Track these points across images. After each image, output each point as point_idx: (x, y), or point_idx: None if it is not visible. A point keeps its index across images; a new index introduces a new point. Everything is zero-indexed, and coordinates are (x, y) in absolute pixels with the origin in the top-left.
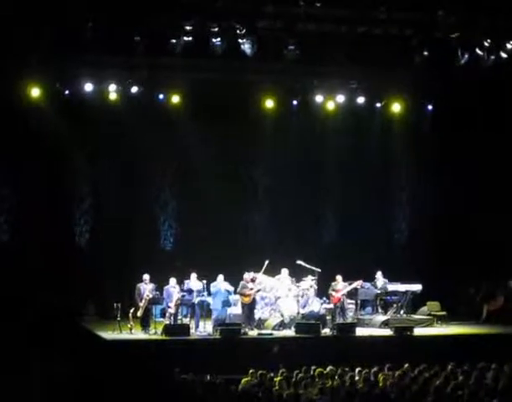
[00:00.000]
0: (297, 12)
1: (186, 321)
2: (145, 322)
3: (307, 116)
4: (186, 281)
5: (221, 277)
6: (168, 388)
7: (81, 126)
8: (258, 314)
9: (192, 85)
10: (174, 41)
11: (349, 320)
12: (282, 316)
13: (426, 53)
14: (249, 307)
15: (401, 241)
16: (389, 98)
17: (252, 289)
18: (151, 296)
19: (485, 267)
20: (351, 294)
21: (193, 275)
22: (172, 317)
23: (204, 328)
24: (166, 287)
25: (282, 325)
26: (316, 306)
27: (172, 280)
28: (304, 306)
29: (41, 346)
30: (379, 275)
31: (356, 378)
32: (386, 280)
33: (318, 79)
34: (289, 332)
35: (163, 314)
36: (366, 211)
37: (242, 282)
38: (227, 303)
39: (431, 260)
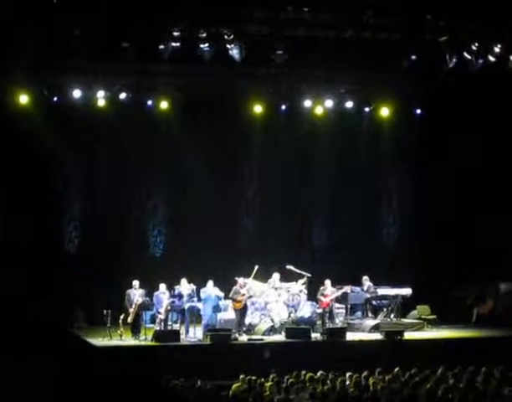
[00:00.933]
0: (285, 17)
1: (176, 327)
2: (135, 329)
3: (296, 121)
4: (176, 287)
5: (210, 283)
6: (158, 394)
7: (70, 133)
8: (248, 319)
9: (181, 91)
10: (162, 47)
11: (338, 324)
12: (272, 321)
13: (414, 57)
14: (241, 313)
15: (391, 245)
16: (377, 102)
17: (244, 295)
18: (140, 301)
19: (475, 270)
20: (341, 298)
21: (183, 281)
22: (162, 323)
23: (194, 334)
24: (155, 293)
25: (272, 330)
26: (307, 310)
27: (162, 286)
28: (294, 311)
29: (30, 352)
30: (365, 279)
31: (347, 382)
32: (371, 284)
33: (306, 84)
34: (280, 337)
35: (153, 320)
36: (356, 215)
37: (235, 287)
38: (217, 309)
39: (420, 263)
